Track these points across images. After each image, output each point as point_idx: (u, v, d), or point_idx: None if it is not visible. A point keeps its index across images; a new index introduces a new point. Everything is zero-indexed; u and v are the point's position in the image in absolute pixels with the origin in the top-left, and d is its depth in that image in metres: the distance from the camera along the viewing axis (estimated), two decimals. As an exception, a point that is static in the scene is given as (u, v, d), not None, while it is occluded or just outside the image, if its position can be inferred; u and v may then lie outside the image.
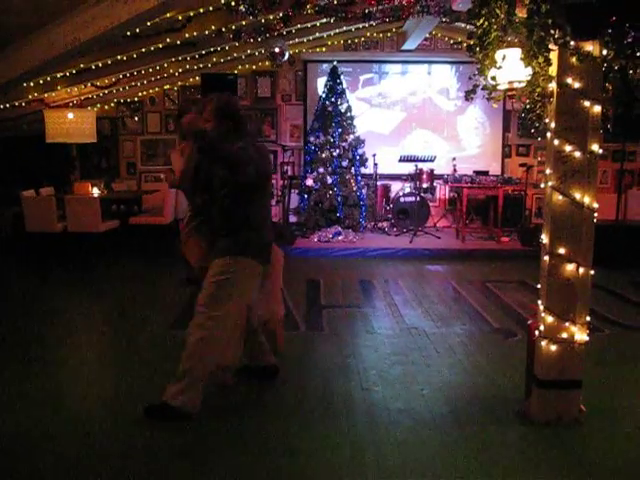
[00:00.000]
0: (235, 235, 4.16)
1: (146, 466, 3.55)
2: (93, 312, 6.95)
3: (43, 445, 3.78)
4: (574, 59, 3.59)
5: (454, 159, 11.15)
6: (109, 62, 8.48)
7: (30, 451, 3.72)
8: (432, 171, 10.97)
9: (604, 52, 3.56)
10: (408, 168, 11.12)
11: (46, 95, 9.65)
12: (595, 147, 3.77)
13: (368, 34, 11.61)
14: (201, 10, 7.35)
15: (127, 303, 7.13)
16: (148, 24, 6.81)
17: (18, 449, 3.74)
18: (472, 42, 3.83)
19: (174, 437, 3.86)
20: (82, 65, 8.21)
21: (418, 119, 12.13)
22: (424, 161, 10.88)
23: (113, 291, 7.76)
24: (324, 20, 8.94)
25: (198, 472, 3.49)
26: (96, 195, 9.46)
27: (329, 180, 10.75)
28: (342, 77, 11.27)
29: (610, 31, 3.43)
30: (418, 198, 10.91)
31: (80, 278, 8.41)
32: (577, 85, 3.68)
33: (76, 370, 5.14)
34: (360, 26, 10.24)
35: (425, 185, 10.98)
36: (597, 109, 3.73)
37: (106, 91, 10.72)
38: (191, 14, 7.41)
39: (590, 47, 3.59)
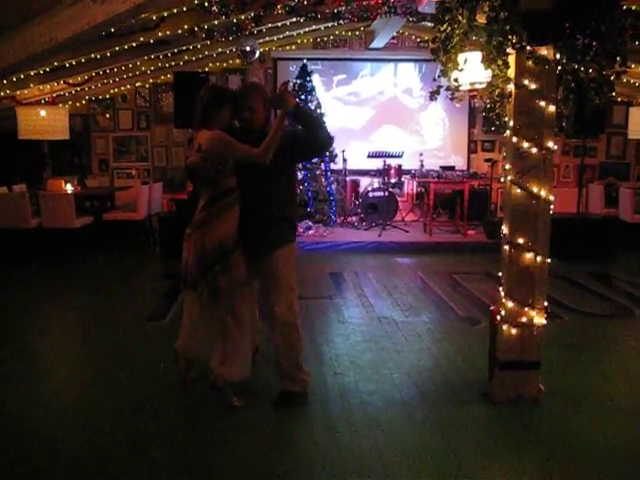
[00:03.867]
0: (292, 216, 4.30)
1: (134, 455, 3.73)
2: (69, 306, 7.04)
3: (21, 436, 3.96)
4: (530, 62, 3.84)
5: (421, 155, 11.37)
6: (83, 60, 8.58)
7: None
8: (400, 166, 11.22)
9: (558, 56, 3.83)
10: (376, 164, 11.36)
11: (18, 92, 9.72)
12: (550, 144, 4.04)
13: (337, 32, 11.83)
14: (175, 10, 7.50)
15: (103, 297, 7.27)
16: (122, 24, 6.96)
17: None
18: (436, 46, 4.08)
19: (162, 429, 4.07)
20: (56, 63, 8.31)
21: (386, 116, 12.44)
22: (392, 157, 11.13)
23: (89, 285, 7.89)
24: (294, 19, 9.14)
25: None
26: (70, 191, 9.55)
27: (299, 176, 10.95)
28: (313, 75, 11.43)
29: (563, 37, 3.69)
30: (386, 193, 11.14)
31: (56, 273, 8.52)
32: (533, 86, 3.95)
33: (54, 364, 5.28)
34: (329, 25, 10.46)
35: (393, 180, 11.25)
36: (552, 109, 4.01)
37: (78, 88, 10.78)
38: (165, 14, 7.56)
39: (545, 51, 3.85)
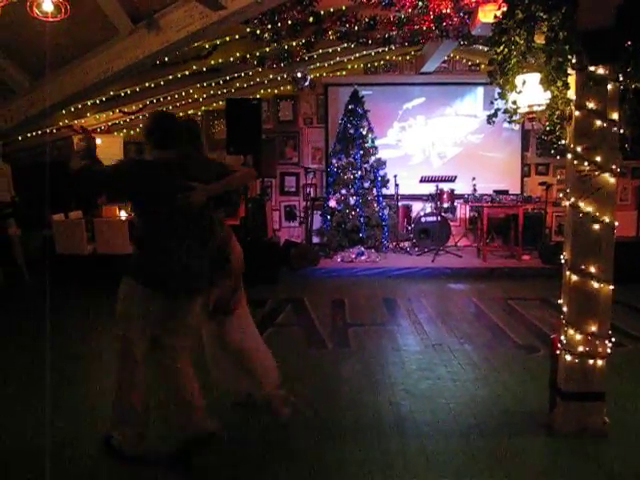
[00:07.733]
0: None
1: None
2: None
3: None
4: (591, 83, 3.75)
5: (474, 179, 11.21)
6: (137, 89, 8.75)
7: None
8: (452, 191, 11.09)
9: (619, 75, 3.72)
10: (429, 188, 11.27)
11: (75, 122, 9.95)
12: (613, 166, 3.91)
13: (387, 57, 11.83)
14: (227, 38, 7.59)
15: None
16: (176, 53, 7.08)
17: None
18: (492, 68, 4.00)
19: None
20: (112, 92, 8.49)
21: (438, 140, 12.35)
22: (445, 181, 11.03)
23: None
24: (345, 45, 9.17)
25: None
26: (124, 218, 9.70)
27: (351, 201, 10.93)
28: (364, 100, 11.42)
29: (624, 55, 3.58)
30: (439, 218, 11.06)
31: (111, 298, 8.57)
32: (594, 107, 3.83)
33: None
34: (380, 50, 10.46)
35: (446, 205, 11.10)
36: (614, 130, 3.88)
37: (132, 117, 10.99)
38: (217, 42, 7.66)
39: (606, 71, 3.75)
